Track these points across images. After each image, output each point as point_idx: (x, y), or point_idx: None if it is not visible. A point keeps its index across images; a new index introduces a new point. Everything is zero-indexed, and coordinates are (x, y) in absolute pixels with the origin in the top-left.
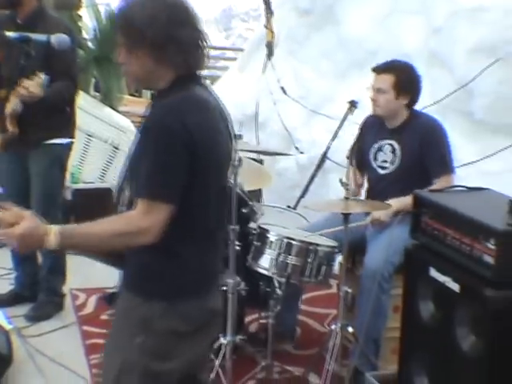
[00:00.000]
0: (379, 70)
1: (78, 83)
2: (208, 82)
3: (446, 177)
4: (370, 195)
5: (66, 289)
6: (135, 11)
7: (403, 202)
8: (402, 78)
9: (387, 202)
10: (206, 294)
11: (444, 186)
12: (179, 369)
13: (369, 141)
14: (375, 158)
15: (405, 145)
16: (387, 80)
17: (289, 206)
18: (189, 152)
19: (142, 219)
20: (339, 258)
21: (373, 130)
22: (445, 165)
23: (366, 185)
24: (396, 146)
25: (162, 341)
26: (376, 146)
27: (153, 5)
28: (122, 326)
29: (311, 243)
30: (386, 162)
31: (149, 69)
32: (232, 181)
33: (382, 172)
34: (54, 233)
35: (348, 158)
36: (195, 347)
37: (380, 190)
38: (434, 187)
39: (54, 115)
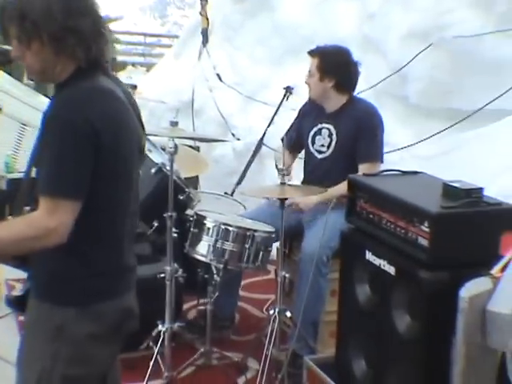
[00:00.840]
0: (310, 53)
1: None
2: (114, 72)
3: (371, 164)
4: (307, 179)
5: (1, 279)
6: (28, 2)
7: (325, 195)
8: (326, 61)
9: (309, 197)
10: (120, 294)
11: (367, 172)
12: (98, 371)
13: (308, 125)
14: (313, 142)
15: (340, 129)
16: (314, 63)
17: (226, 193)
18: (92, 145)
19: (47, 219)
20: (276, 244)
21: (312, 113)
22: (372, 152)
23: (302, 168)
24: (333, 130)
25: (77, 346)
26: (314, 129)
27: None
28: (36, 334)
29: (248, 229)
30: (323, 146)
31: (47, 62)
32: (168, 168)
33: (319, 156)
34: None
35: (282, 140)
36: (110, 348)
37: (317, 174)
38: (358, 174)
39: None
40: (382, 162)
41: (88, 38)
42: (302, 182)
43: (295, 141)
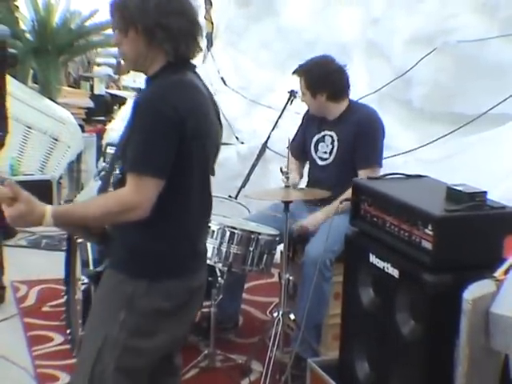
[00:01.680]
0: (294, 73)
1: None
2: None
3: (371, 169)
4: (311, 184)
5: (6, 281)
6: None
7: (330, 210)
8: (311, 78)
9: (314, 214)
10: (191, 274)
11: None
12: (160, 347)
13: (311, 131)
14: (316, 149)
15: (342, 136)
16: (302, 83)
17: (230, 196)
18: (177, 131)
19: (132, 195)
20: (280, 247)
21: (315, 121)
22: (371, 157)
23: (306, 176)
24: (335, 136)
25: (143, 319)
26: (318, 136)
27: None
28: (106, 301)
29: (253, 232)
30: (325, 153)
31: (140, 52)
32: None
33: (321, 163)
34: (48, 213)
35: (287, 148)
36: (176, 326)
37: (319, 181)
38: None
39: None
40: (380, 166)
41: (177, 36)
42: (306, 187)
43: (300, 148)
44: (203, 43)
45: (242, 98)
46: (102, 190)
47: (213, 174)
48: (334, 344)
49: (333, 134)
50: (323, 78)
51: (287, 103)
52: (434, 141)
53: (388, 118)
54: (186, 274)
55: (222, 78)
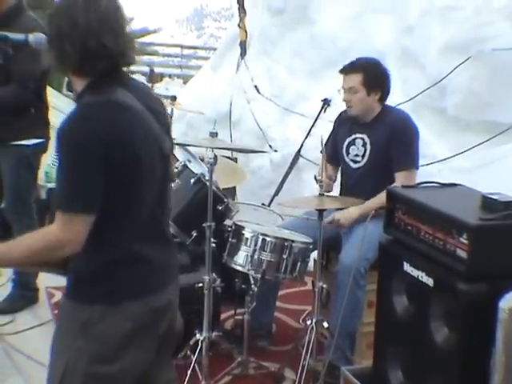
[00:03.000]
0: (346, 70)
1: (38, 84)
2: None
3: (407, 172)
4: (344, 189)
5: (41, 287)
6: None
7: (364, 208)
8: (370, 75)
9: (348, 209)
10: (151, 295)
11: (404, 181)
12: (125, 370)
13: (342, 135)
14: (348, 152)
15: (375, 139)
16: (356, 79)
17: (263, 204)
18: (101, 158)
19: (59, 233)
20: (314, 255)
21: (347, 124)
22: (407, 159)
23: (339, 179)
24: (367, 139)
25: (102, 344)
26: (348, 139)
27: None
28: (64, 329)
29: (286, 239)
30: (357, 155)
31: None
32: (207, 178)
33: (354, 166)
34: None
35: (321, 152)
36: (141, 348)
37: (353, 184)
38: (395, 183)
39: (16, 117)
40: (417, 168)
41: (94, 53)
42: (340, 193)
43: (332, 152)
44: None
45: (276, 106)
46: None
47: (173, 179)
48: (368, 352)
49: (364, 136)
50: (381, 76)
51: (320, 111)
52: (468, 149)
53: (422, 127)
54: (143, 295)
55: (255, 87)
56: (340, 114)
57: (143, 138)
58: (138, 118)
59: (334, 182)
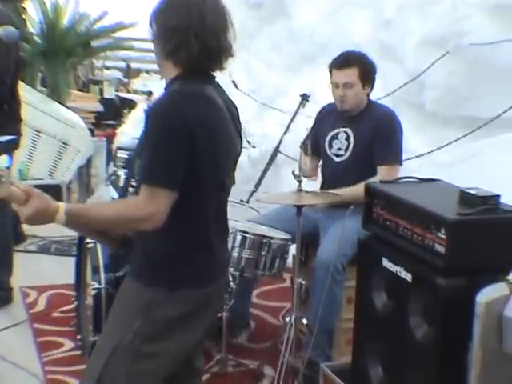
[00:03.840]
0: (340, 65)
1: (12, 79)
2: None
3: (389, 167)
4: (325, 184)
5: (16, 286)
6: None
7: (343, 194)
8: (365, 68)
9: (335, 191)
10: (210, 284)
11: (386, 175)
12: (173, 353)
13: (325, 129)
14: (330, 146)
15: (359, 133)
16: (353, 73)
17: (241, 200)
18: (186, 142)
19: (144, 204)
20: (292, 251)
21: (330, 118)
22: (390, 154)
23: (320, 174)
24: (351, 133)
25: (158, 327)
26: (331, 133)
27: None
28: (124, 309)
29: (265, 236)
30: (340, 149)
31: (159, 60)
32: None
33: (336, 160)
34: (62, 210)
35: (301, 147)
36: (190, 333)
37: (335, 178)
38: (376, 177)
39: None
40: (400, 164)
41: (193, 47)
42: (321, 187)
43: (313, 147)
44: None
45: (254, 101)
46: (121, 195)
47: (233, 183)
48: (347, 349)
49: (348, 130)
50: (373, 69)
51: (299, 107)
52: (446, 145)
53: (402, 121)
54: (203, 284)
55: (233, 82)
56: (322, 109)
57: (223, 134)
58: (221, 115)
59: (316, 169)
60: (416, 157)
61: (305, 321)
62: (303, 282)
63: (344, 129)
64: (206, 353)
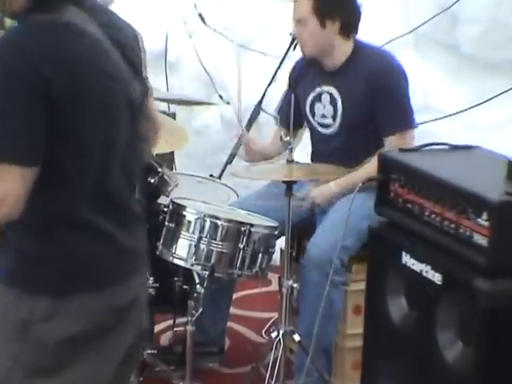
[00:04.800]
0: None
1: None
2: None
3: (400, 134)
4: (316, 161)
5: None
6: None
7: (347, 182)
8: None
9: (328, 184)
10: (114, 287)
11: (398, 146)
12: None
13: (303, 91)
14: (312, 113)
15: (346, 93)
16: (304, 6)
17: (211, 175)
18: (42, 98)
19: None
20: (281, 244)
21: (307, 76)
22: (397, 118)
23: (311, 148)
24: (336, 94)
25: (46, 352)
26: (312, 95)
27: None
28: (1, 326)
29: (243, 223)
30: (325, 117)
31: None
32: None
33: (323, 131)
34: None
35: (275, 118)
36: (98, 360)
37: (326, 154)
38: (384, 150)
39: None
40: (413, 127)
41: None
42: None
43: (297, 115)
44: None
45: (227, 41)
46: None
47: (143, 141)
48: (354, 374)
49: (332, 89)
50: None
51: (289, 48)
52: (489, 99)
53: (427, 68)
54: (104, 287)
55: (200, 15)
56: (295, 66)
57: (102, 78)
58: (95, 50)
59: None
60: (446, 116)
61: (297, 337)
62: (295, 285)
63: (327, 87)
64: (164, 380)
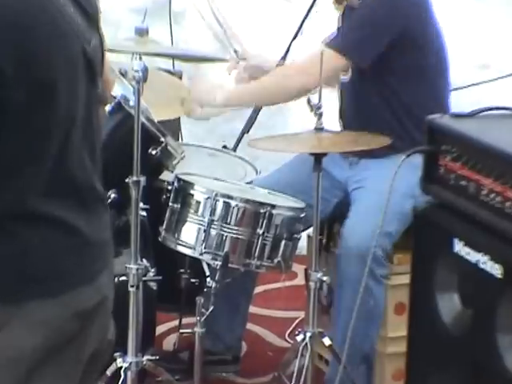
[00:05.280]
0: None
1: None
2: None
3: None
4: (341, 119)
5: None
6: None
7: (237, 93)
8: None
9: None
10: (75, 287)
11: (312, 57)
12: None
13: None
14: None
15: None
16: None
17: (225, 147)
18: None
19: None
20: (308, 229)
21: None
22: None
23: None
24: None
25: None
26: None
27: None
28: None
29: (262, 203)
30: None
31: None
32: (132, 103)
33: (342, 79)
34: None
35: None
36: (52, 375)
37: (345, 108)
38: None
39: None
40: (341, 52)
41: None
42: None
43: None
44: None
45: None
46: None
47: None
48: None
49: None
50: None
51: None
52: None
53: (489, 18)
54: (64, 288)
55: None
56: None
57: (53, 33)
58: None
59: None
60: (509, 75)
61: (327, 340)
62: (324, 279)
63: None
64: None
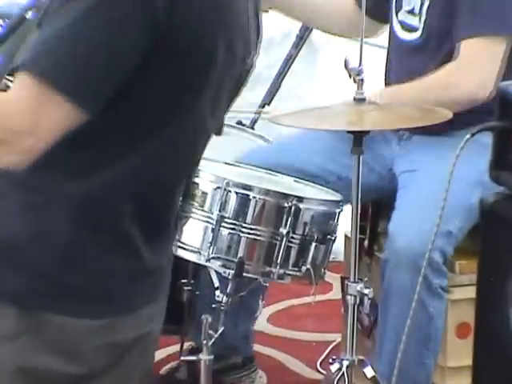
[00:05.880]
0: None
1: None
2: None
3: (480, 39)
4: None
5: None
6: None
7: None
8: None
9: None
10: (116, 316)
11: (471, 55)
12: None
13: None
14: (399, 7)
15: None
16: None
17: (239, 122)
18: (150, 29)
19: (20, 107)
20: (345, 228)
21: None
22: (477, 16)
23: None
24: None
25: None
26: None
27: None
28: None
29: (287, 195)
30: (413, 14)
31: None
32: None
33: (406, 38)
34: None
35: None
36: None
37: (401, 75)
38: (453, 63)
39: None
40: (507, 32)
41: None
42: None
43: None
44: None
45: None
46: None
47: (219, 134)
48: None
49: None
50: None
51: None
52: None
53: None
54: (107, 315)
55: None
56: None
57: (234, 19)
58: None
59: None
60: None
61: (370, 371)
62: (366, 291)
63: None
64: None
